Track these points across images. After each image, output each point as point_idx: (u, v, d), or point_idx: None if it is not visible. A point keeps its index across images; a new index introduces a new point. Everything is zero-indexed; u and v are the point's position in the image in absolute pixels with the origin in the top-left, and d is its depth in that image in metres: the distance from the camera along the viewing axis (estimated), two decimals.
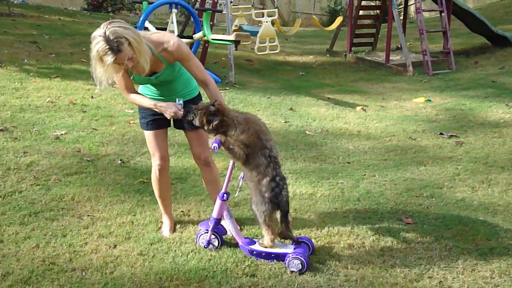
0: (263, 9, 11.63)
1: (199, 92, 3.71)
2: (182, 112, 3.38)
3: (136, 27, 8.72)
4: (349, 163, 5.32)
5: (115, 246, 3.53)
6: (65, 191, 4.26)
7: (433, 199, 4.43)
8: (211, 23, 8.82)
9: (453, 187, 4.68)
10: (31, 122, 5.73)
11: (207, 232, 3.54)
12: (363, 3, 12.11)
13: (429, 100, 8.01)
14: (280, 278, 3.23)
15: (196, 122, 3.34)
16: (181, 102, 3.47)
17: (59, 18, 12.34)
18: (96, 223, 3.84)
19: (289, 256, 3.34)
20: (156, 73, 3.45)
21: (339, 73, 10.27)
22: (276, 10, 9.57)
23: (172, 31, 8.77)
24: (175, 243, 3.60)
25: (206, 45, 9.24)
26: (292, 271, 3.29)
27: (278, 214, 3.35)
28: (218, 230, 3.58)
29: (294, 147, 5.72)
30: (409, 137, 6.18)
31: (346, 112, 7.33)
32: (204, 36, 8.11)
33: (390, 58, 10.57)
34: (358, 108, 7.55)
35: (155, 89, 3.58)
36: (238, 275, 3.24)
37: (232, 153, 3.27)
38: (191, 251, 3.50)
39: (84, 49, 9.40)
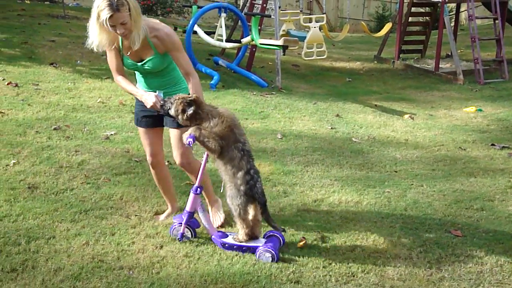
0: (310, 14, 11.60)
1: (189, 93, 3.77)
2: (161, 103, 3.51)
3: (185, 31, 8.91)
4: (396, 172, 5.24)
5: (161, 247, 3.58)
6: (114, 191, 4.35)
7: (484, 212, 4.31)
8: (259, 27, 8.86)
9: (505, 200, 4.55)
10: (83, 121, 5.89)
11: (181, 225, 3.64)
12: (413, 9, 11.92)
13: (480, 110, 7.81)
14: (325, 285, 3.21)
15: (172, 111, 3.43)
16: (161, 94, 3.61)
17: None
18: (143, 223, 3.90)
19: (259, 249, 3.46)
20: (143, 60, 3.56)
21: (386, 80, 10.14)
22: (324, 15, 9.53)
23: (221, 35, 8.89)
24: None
25: (254, 49, 9.28)
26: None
27: (252, 209, 3.47)
28: (192, 223, 3.70)
29: (340, 154, 5.68)
30: (459, 147, 6.04)
31: (394, 120, 7.23)
32: (252, 40, 8.15)
33: (440, 66, 10.36)
34: (406, 116, 7.43)
35: (144, 81, 3.70)
36: (283, 281, 3.24)
37: (207, 146, 3.39)
38: (236, 255, 3.51)
39: None
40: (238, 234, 3.59)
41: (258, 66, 9.95)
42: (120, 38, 3.48)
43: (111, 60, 3.64)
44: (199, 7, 9.35)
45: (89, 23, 3.38)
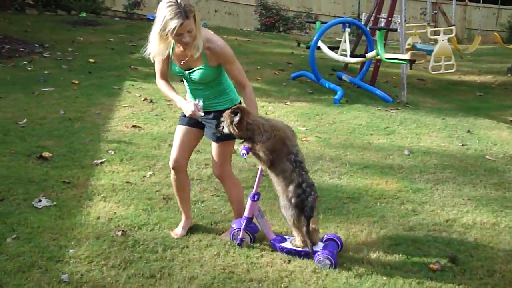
0: (436, 26, 11.18)
1: (234, 104, 3.75)
2: (200, 113, 3.51)
3: (308, 47, 8.97)
4: None
5: (289, 261, 3.60)
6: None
7: None
8: (384, 42, 8.69)
9: None
10: None
11: (240, 230, 3.72)
12: None
13: None
14: None
15: (225, 129, 3.51)
16: (201, 103, 3.57)
17: (235, 38, 13.06)
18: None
19: (318, 255, 3.52)
20: (192, 69, 3.55)
21: None
22: (453, 27, 9.15)
23: (345, 50, 8.84)
24: (347, 263, 3.57)
25: (378, 64, 9.13)
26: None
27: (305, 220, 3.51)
28: (250, 228, 3.77)
29: (473, 172, 5.38)
30: None
31: None
32: (378, 55, 8.01)
33: None
34: None
35: (189, 91, 3.71)
36: None
37: (258, 159, 3.52)
38: (365, 273, 3.45)
39: (258, 67, 9.84)
40: (295, 239, 3.67)
41: (381, 80, 9.76)
42: (172, 44, 3.52)
43: (160, 65, 3.68)
44: (322, 23, 9.38)
45: (151, 33, 3.41)
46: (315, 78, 8.73)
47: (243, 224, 3.74)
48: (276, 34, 15.52)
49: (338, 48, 9.41)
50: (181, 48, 3.49)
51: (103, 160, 5.16)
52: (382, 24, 11.03)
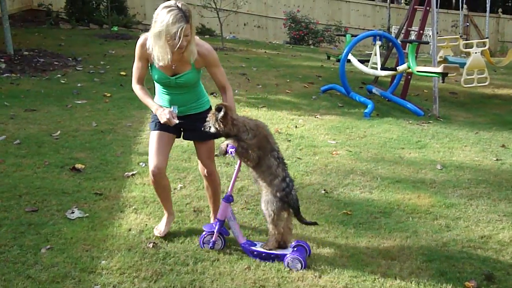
0: (467, 39, 11.04)
1: (210, 106, 3.86)
2: (175, 120, 3.54)
3: (338, 60, 8.95)
4: None
5: (320, 276, 3.56)
6: None
7: None
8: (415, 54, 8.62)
9: None
10: None
11: (210, 234, 3.78)
12: None
13: None
14: None
15: (212, 128, 3.57)
16: (176, 110, 3.61)
17: (265, 51, 13.13)
18: None
19: (288, 257, 3.61)
20: (178, 74, 3.57)
21: None
22: (487, 40, 9.01)
23: (375, 63, 8.79)
24: (381, 278, 3.51)
25: (409, 77, 9.04)
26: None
27: (285, 215, 3.67)
28: (222, 231, 3.81)
29: (508, 187, 5.25)
30: None
31: None
32: (409, 68, 7.94)
33: None
34: None
35: (168, 97, 3.72)
36: None
37: (246, 156, 3.58)
38: None
39: (288, 80, 9.85)
40: (267, 242, 3.75)
41: (412, 94, 9.65)
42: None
43: (138, 69, 3.69)
44: (353, 36, 9.35)
45: (151, 41, 3.44)
46: (345, 92, 8.70)
47: (217, 227, 3.76)
48: (305, 47, 15.54)
49: (368, 61, 9.36)
50: (171, 54, 3.48)
51: (134, 172, 5.21)
52: (413, 37, 10.96)
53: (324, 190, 5.04)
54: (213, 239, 3.78)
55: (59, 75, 9.17)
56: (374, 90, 9.19)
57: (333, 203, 4.76)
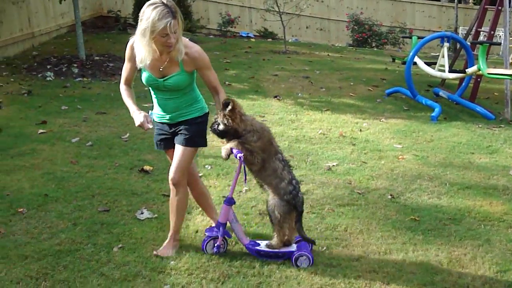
0: None
1: (205, 114, 3.76)
2: (149, 125, 3.44)
3: (404, 62, 8.77)
4: None
5: (388, 283, 3.50)
6: (338, 222, 4.40)
7: None
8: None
9: None
10: (306, 152, 6.11)
11: (212, 239, 3.73)
12: None
13: None
14: None
15: (221, 125, 3.53)
16: (153, 116, 3.58)
17: (328, 54, 13.04)
18: (368, 256, 3.87)
19: (295, 254, 3.63)
20: (167, 76, 3.49)
21: None
22: None
23: (443, 66, 8.56)
24: (450, 287, 3.42)
25: (478, 79, 8.74)
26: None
27: (291, 217, 3.66)
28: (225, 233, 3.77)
29: None
30: None
31: None
32: (479, 70, 7.68)
33: None
34: None
35: (160, 102, 3.65)
36: None
37: (250, 160, 3.52)
38: None
39: (351, 83, 9.75)
40: (271, 241, 3.73)
41: (482, 97, 9.31)
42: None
43: (126, 70, 3.68)
44: (419, 38, 9.15)
45: (135, 40, 3.41)
46: (411, 95, 8.51)
47: (221, 230, 3.72)
48: (369, 50, 15.32)
49: (434, 63, 9.12)
50: (158, 54, 3.45)
51: (200, 174, 5.29)
52: (483, 38, 10.60)
53: (391, 195, 4.95)
54: (218, 243, 3.75)
55: None
56: (441, 93, 8.94)
57: (400, 209, 4.67)
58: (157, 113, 3.77)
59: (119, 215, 4.37)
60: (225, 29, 16.13)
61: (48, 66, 9.66)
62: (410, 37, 10.12)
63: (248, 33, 16.39)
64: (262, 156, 3.58)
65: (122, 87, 3.76)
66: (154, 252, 3.74)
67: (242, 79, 9.73)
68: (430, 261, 3.78)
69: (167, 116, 3.70)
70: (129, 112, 3.65)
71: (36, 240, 3.90)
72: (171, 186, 3.76)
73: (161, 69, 3.52)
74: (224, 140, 3.67)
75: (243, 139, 3.56)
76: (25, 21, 11.19)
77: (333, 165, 5.68)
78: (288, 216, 3.68)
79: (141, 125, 3.48)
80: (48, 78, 9.05)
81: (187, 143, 3.66)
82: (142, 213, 4.41)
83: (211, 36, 15.39)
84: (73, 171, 5.27)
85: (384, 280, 3.53)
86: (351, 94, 9.07)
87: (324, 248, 3.95)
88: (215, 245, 3.75)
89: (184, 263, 3.66)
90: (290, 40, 15.58)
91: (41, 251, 3.74)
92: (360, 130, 7.03)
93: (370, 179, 5.34)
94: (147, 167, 5.38)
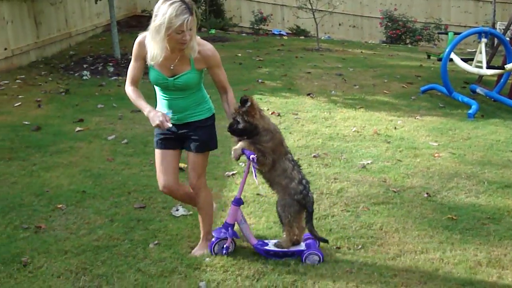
0: None
1: (213, 114, 3.72)
2: (168, 124, 3.31)
3: (439, 59, 8.63)
4: None
5: (425, 282, 3.46)
6: (373, 220, 4.36)
7: None
8: None
9: None
10: (340, 150, 6.07)
11: (220, 240, 3.69)
12: None
13: None
14: None
15: (240, 123, 3.50)
16: (171, 114, 3.42)
17: (361, 52, 12.92)
18: (404, 255, 3.82)
19: (305, 253, 3.63)
20: (177, 75, 3.40)
21: None
22: None
23: (480, 62, 8.39)
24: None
25: None
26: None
27: (301, 217, 3.68)
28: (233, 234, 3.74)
29: None
30: None
31: None
32: None
33: None
34: None
35: (167, 101, 3.54)
36: None
37: (262, 161, 3.51)
38: None
39: (385, 80, 9.64)
40: (280, 241, 3.72)
41: None
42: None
43: (134, 70, 3.54)
44: (455, 34, 8.98)
45: (147, 37, 3.30)
46: (447, 92, 8.36)
47: (230, 231, 3.69)
48: (403, 46, 15.12)
49: (471, 59, 8.94)
50: (169, 51, 3.34)
51: (234, 172, 5.32)
52: None
53: (427, 193, 4.89)
54: (227, 244, 3.72)
55: None
56: (478, 90, 8.76)
57: (437, 207, 4.60)
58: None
59: (154, 211, 4.43)
60: (257, 27, 16.13)
61: (85, 65, 9.86)
62: (446, 33, 9.93)
63: (280, 31, 16.37)
64: (272, 157, 3.57)
65: (129, 88, 3.61)
66: (190, 254, 3.77)
67: (275, 77, 9.72)
68: (469, 261, 3.72)
69: (175, 117, 3.56)
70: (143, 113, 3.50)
71: (75, 236, 3.99)
72: (193, 191, 3.77)
73: (172, 67, 3.44)
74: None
75: (255, 139, 3.54)
76: (63, 21, 11.44)
77: (368, 163, 5.63)
78: (298, 216, 3.68)
79: (159, 125, 3.34)
80: (84, 77, 9.23)
81: (201, 149, 3.65)
82: (177, 210, 4.45)
83: (244, 34, 15.42)
84: (110, 168, 5.36)
85: (421, 279, 3.49)
86: (385, 91, 8.97)
87: (360, 246, 3.93)
88: (224, 246, 3.72)
89: (219, 260, 3.68)
90: (322, 38, 15.48)
91: (80, 246, 3.83)
92: (395, 128, 6.95)
93: (406, 177, 5.28)
94: (181, 165, 5.41)
